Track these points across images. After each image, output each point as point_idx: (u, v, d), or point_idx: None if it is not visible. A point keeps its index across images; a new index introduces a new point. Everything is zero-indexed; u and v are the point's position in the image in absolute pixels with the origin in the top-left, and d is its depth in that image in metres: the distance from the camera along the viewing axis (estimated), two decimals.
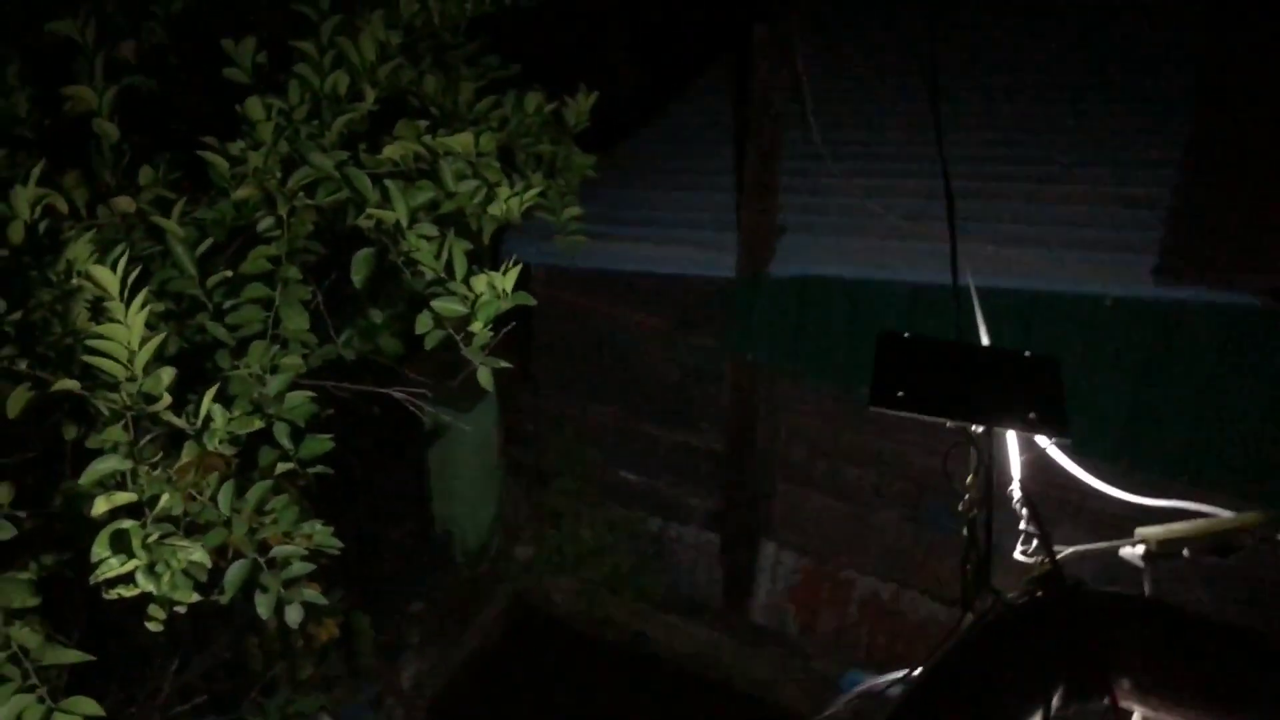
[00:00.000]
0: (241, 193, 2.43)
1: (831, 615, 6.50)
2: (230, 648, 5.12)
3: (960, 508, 2.15)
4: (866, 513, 6.11)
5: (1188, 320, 4.68)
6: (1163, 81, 6.42)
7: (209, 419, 2.13)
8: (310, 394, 2.40)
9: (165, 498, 2.04)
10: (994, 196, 5.39)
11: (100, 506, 1.97)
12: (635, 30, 8.91)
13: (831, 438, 6.02)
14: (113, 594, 2.01)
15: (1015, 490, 2.21)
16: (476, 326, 2.36)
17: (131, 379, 1.98)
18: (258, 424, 2.25)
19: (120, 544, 1.99)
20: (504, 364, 2.42)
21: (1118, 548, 2.31)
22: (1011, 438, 2.23)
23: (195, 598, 2.09)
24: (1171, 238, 4.85)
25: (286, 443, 2.33)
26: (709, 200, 5.99)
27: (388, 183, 2.43)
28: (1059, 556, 2.10)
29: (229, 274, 2.44)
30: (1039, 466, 2.28)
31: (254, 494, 2.23)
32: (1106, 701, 1.90)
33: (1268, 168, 5.23)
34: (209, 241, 2.46)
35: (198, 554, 2.05)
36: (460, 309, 2.36)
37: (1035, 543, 2.14)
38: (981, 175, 5.55)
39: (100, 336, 1.92)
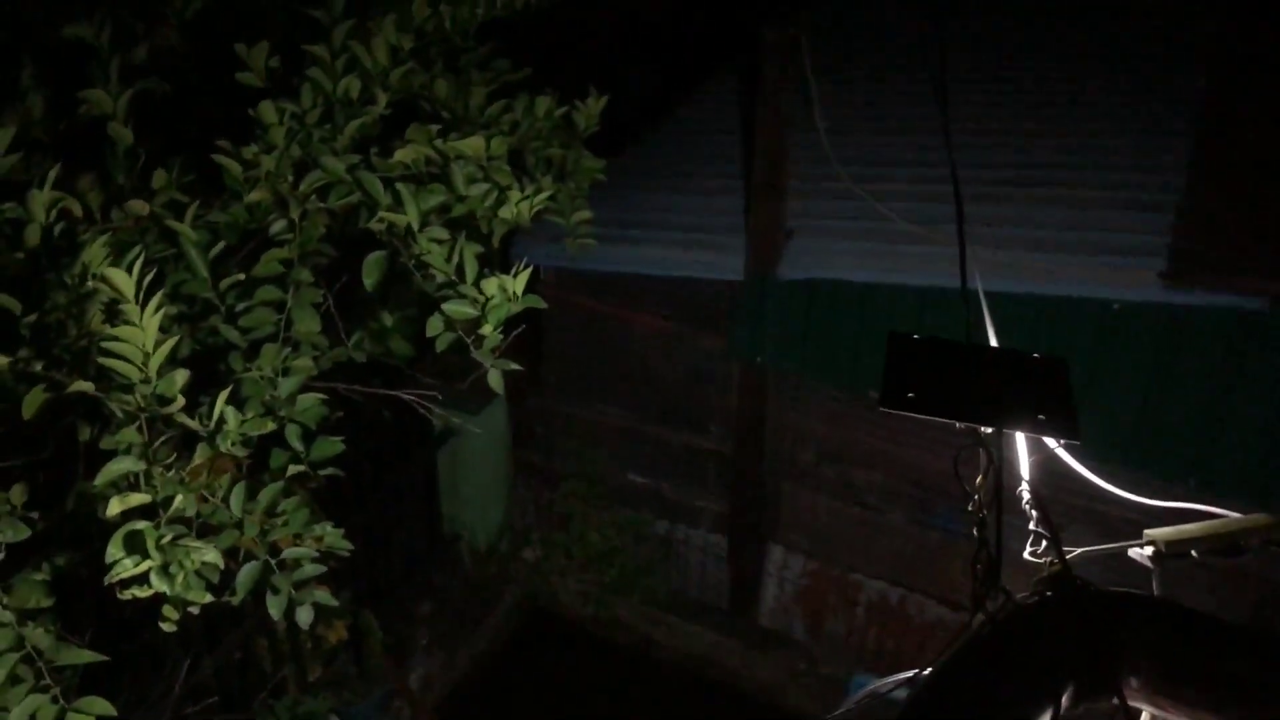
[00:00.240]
0: (254, 196, 2.45)
1: (839, 618, 6.49)
2: (240, 648, 5.14)
3: (970, 508, 2.15)
4: (874, 516, 6.10)
5: (1195, 324, 4.68)
6: (1171, 84, 6.42)
7: (222, 421, 2.14)
8: (321, 396, 2.41)
9: (179, 499, 2.06)
10: (1002, 200, 5.39)
11: (114, 507, 1.99)
12: (644, 34, 8.92)
13: (839, 440, 6.02)
14: (127, 594, 2.03)
15: (1025, 491, 2.22)
16: (487, 329, 2.37)
17: (146, 381, 1.99)
18: (270, 426, 2.26)
19: (134, 545, 2.00)
20: (514, 366, 2.43)
21: (1126, 549, 2.31)
22: (1021, 439, 2.24)
23: (208, 598, 2.10)
24: (1179, 241, 4.85)
25: (298, 445, 2.33)
26: (717, 204, 6.01)
27: (399, 186, 2.44)
28: (1068, 557, 2.11)
29: (241, 277, 2.45)
30: (1047, 468, 2.29)
31: (265, 496, 2.25)
32: (1116, 700, 1.91)
33: (1276, 171, 5.22)
34: (222, 244, 2.48)
35: (211, 555, 2.07)
36: (471, 311, 2.38)
37: (1045, 544, 2.15)
38: (989, 179, 5.56)
39: (115, 339, 1.93)
